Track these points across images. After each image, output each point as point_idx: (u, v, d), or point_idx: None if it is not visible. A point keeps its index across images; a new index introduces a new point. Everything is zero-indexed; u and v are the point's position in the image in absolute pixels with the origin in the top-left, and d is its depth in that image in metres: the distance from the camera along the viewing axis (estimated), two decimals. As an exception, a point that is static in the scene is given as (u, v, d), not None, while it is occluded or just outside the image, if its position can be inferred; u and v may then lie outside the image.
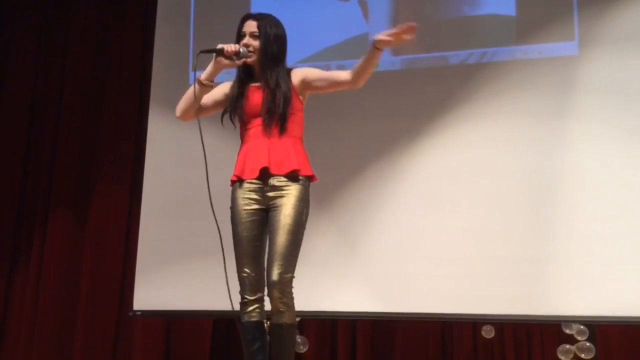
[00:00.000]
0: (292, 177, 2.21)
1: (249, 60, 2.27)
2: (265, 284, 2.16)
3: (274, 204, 2.20)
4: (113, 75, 4.44)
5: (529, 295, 3.21)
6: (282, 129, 2.23)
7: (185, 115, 2.33)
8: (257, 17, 2.33)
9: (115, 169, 4.31)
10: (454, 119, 3.57)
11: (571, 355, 3.23)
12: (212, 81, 2.28)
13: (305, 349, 3.66)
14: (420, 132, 3.60)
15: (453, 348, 3.58)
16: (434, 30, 3.73)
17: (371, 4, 3.84)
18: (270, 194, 2.20)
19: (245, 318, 2.20)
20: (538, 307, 3.19)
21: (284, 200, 2.18)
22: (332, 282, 3.48)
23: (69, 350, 4.12)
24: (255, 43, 2.27)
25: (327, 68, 3.81)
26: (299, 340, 3.67)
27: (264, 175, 2.21)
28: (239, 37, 2.31)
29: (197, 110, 2.32)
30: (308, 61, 3.84)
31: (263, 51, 2.26)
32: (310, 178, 2.27)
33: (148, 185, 3.94)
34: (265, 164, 2.20)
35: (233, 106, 2.30)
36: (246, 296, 2.20)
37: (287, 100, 2.23)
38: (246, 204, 2.23)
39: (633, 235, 3.14)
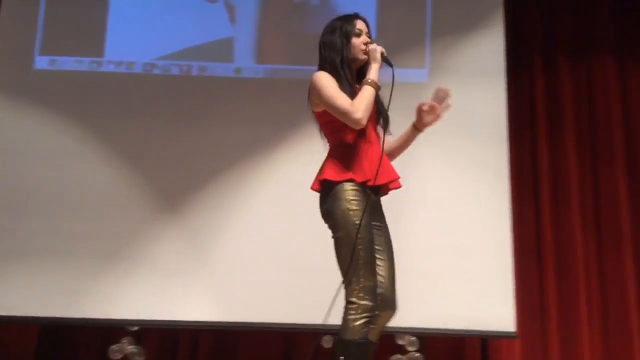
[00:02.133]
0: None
1: (366, 58, 2.28)
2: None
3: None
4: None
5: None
6: (384, 133, 2.30)
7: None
8: (366, 19, 2.38)
9: None
10: (311, 132, 3.76)
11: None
12: None
13: (141, 360, 3.64)
14: (280, 141, 3.78)
15: (295, 358, 3.76)
16: (299, 42, 3.94)
17: (238, 9, 3.96)
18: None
19: (369, 336, 2.16)
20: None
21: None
22: (176, 290, 3.52)
23: None
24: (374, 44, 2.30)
25: (189, 69, 3.87)
26: (135, 350, 3.65)
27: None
28: (353, 35, 2.29)
29: None
30: (168, 58, 3.86)
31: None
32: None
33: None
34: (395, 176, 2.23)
35: None
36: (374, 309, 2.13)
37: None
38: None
39: (461, 251, 3.54)
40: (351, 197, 2.15)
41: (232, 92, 3.84)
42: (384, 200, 2.31)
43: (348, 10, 3.83)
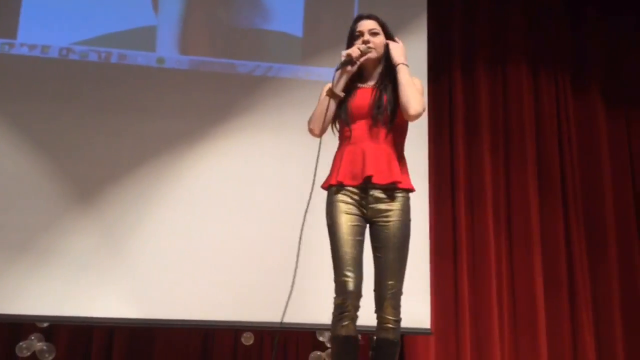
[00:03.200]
0: (394, 188, 2.26)
1: (372, 56, 2.31)
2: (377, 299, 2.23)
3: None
4: None
5: (290, 303, 3.55)
6: (387, 133, 2.28)
7: (323, 130, 2.33)
8: (372, 16, 2.40)
9: None
10: (236, 127, 3.82)
11: (321, 362, 3.67)
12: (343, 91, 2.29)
13: (50, 358, 3.54)
14: (202, 135, 3.78)
15: (213, 355, 3.78)
16: (224, 36, 3.97)
17: (162, -2, 3.92)
18: (373, 205, 2.25)
19: (343, 332, 2.19)
20: (295, 315, 3.56)
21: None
22: (90, 286, 3.45)
23: None
24: (376, 40, 2.33)
25: (107, 55, 3.80)
26: (45, 347, 3.55)
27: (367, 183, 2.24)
28: (353, 38, 2.36)
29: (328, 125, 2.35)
30: (86, 44, 3.78)
31: (387, 45, 2.33)
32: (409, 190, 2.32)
33: None
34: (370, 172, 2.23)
35: (338, 107, 2.30)
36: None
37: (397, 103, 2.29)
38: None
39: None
40: (328, 200, 2.33)
41: (154, 82, 3.81)
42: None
43: (275, 6, 4.00)
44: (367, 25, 2.37)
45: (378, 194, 2.26)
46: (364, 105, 2.29)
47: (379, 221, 2.26)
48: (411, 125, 3.83)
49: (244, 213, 3.67)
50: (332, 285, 3.56)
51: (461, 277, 4.03)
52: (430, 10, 4.13)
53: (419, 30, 4.05)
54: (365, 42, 2.32)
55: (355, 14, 3.97)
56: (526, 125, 4.39)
